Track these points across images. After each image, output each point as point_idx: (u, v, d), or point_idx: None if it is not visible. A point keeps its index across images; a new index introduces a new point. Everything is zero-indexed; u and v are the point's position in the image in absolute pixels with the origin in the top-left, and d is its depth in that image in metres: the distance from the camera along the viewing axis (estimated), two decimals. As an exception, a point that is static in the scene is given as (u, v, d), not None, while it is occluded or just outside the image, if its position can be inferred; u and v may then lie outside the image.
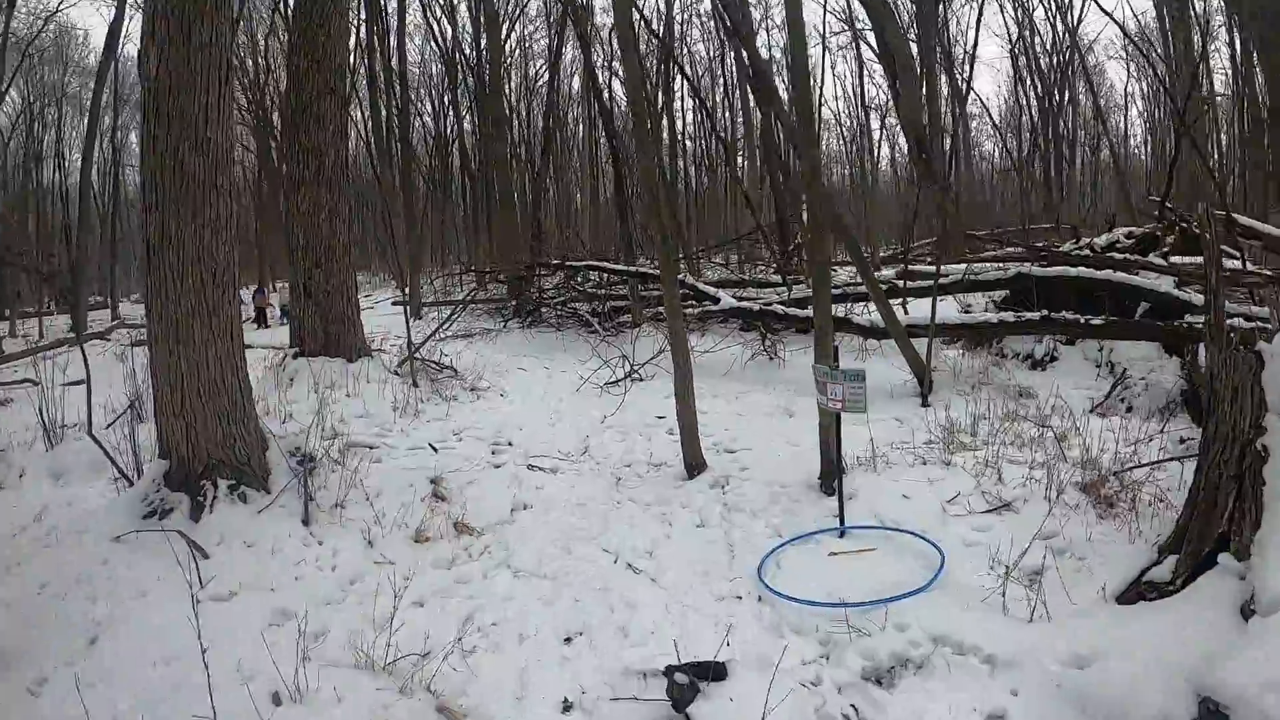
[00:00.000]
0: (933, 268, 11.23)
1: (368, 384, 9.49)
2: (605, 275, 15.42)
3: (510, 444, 8.06)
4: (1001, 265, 10.64)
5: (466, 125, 36.09)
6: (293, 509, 5.68)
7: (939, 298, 11.01)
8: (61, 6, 32.20)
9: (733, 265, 21.76)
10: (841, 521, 5.57)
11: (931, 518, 5.53)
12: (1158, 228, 12.00)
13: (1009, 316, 9.37)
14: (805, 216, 15.68)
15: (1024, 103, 34.34)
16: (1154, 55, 27.70)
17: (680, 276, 14.27)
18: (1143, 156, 38.79)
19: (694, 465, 7.08)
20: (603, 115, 17.67)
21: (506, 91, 34.15)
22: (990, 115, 38.83)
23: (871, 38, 25.97)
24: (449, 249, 42.12)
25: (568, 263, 15.07)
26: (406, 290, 17.85)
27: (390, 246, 17.74)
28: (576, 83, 39.48)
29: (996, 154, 39.50)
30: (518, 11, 33.37)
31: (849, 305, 11.53)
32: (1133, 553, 4.61)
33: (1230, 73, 23.58)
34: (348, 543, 5.43)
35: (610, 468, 7.42)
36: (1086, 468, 6.02)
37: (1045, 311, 9.36)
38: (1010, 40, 33.29)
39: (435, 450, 7.59)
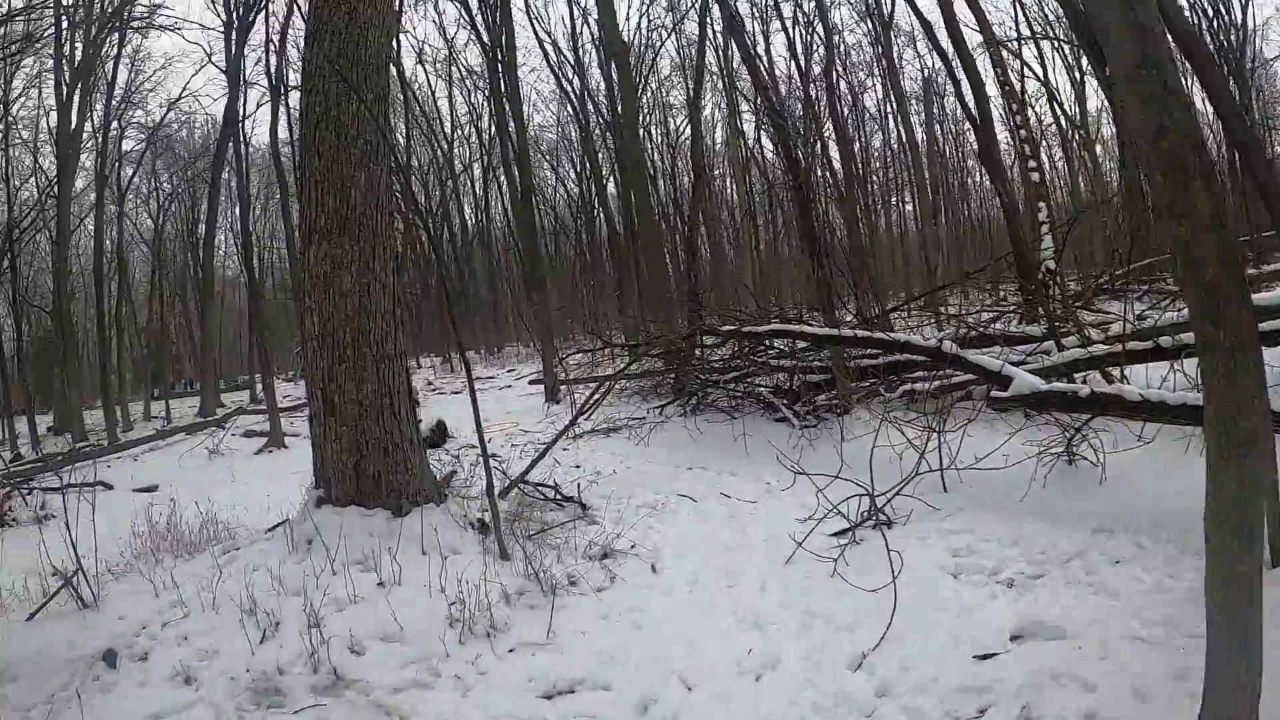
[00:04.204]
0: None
1: (421, 557, 5.52)
2: (792, 342, 11.08)
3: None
4: None
5: (611, 190, 33.32)
6: None
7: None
8: (181, 96, 31.65)
9: (923, 313, 16.76)
10: None
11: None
12: None
13: None
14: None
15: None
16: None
17: (902, 337, 9.84)
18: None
19: None
20: (774, 124, 13.52)
21: (647, 148, 32.18)
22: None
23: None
24: (601, 319, 39.15)
25: (745, 329, 10.76)
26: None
27: (449, 319, 13.94)
28: (720, 134, 36.93)
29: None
30: (648, 70, 31.70)
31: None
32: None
33: None
34: None
35: None
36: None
37: None
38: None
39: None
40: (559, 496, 7.40)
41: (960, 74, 15.95)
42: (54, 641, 4.86)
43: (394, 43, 26.86)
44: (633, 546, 6.26)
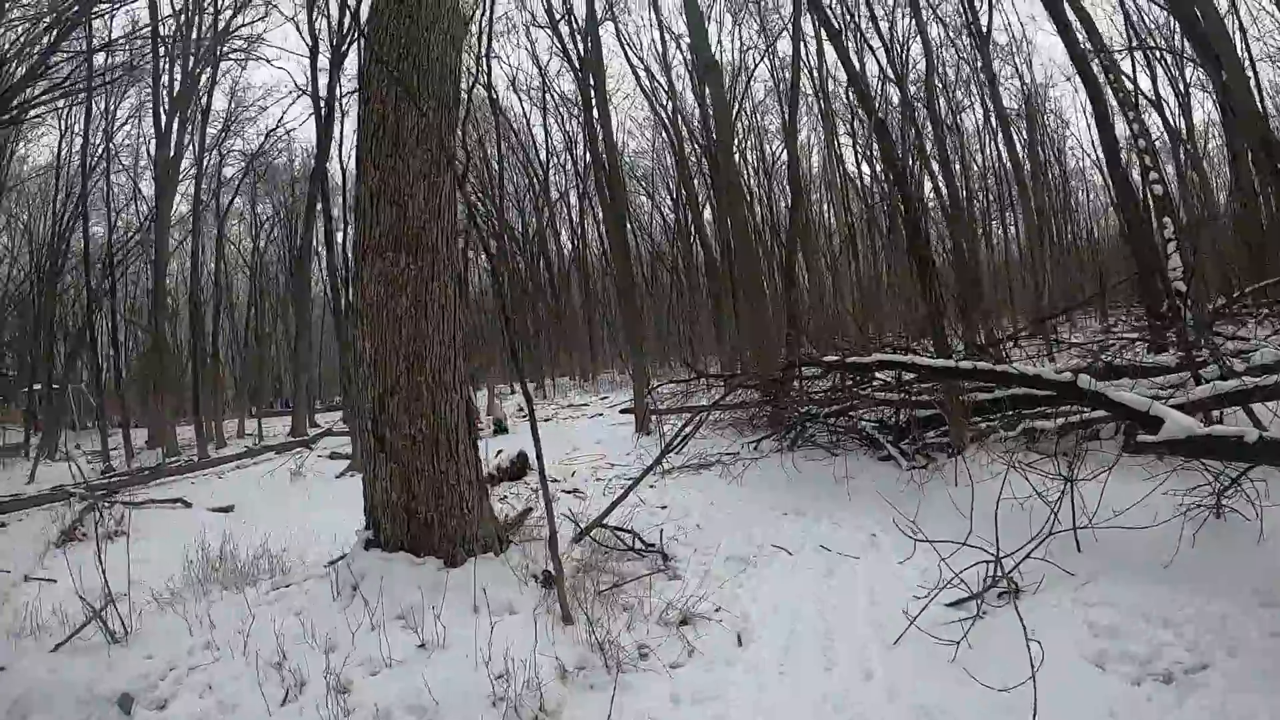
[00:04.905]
0: None
1: (471, 616, 4.88)
2: (898, 374, 10.07)
3: None
4: None
5: (707, 216, 32.74)
6: None
7: None
8: (278, 125, 33.11)
9: (1032, 341, 15.34)
10: None
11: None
12: None
13: None
14: None
15: None
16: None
17: (1030, 370, 8.70)
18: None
19: None
20: (875, 127, 12.62)
21: (743, 173, 32.26)
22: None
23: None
24: (697, 343, 38.36)
25: (849, 359, 9.78)
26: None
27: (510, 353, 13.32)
28: (816, 158, 36.32)
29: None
30: (743, 93, 31.69)
31: None
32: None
33: None
34: None
35: None
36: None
37: None
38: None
39: None
40: (639, 545, 6.71)
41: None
42: (75, 678, 4.50)
43: (487, 65, 27.43)
44: (717, 610, 5.46)
